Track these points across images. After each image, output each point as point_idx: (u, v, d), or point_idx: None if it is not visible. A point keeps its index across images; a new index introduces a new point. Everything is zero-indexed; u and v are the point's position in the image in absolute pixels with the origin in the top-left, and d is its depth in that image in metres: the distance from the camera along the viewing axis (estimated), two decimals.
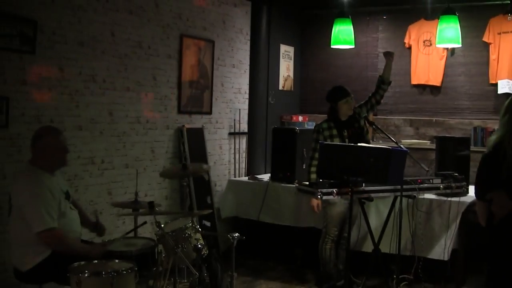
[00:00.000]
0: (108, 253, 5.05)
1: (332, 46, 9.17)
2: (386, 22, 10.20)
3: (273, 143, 8.33)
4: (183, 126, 7.90)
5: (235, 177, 8.96)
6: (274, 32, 9.68)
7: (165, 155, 7.75)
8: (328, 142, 6.67)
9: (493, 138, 3.82)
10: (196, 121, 8.23)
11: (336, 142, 6.74)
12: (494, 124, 8.76)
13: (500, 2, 9.19)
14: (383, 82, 7.31)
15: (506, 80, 9.00)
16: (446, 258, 6.92)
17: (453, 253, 6.90)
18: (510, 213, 3.68)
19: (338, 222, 6.86)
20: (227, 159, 8.94)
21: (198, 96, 8.21)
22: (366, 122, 7.08)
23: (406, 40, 9.90)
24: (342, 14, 8.92)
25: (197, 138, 8.13)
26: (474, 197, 4.02)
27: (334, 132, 6.81)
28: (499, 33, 9.21)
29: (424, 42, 9.71)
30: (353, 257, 6.48)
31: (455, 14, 8.34)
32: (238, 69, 9.17)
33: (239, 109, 9.13)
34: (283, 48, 10.19)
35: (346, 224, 6.50)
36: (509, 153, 3.61)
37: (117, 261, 4.85)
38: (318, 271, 7.18)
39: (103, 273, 4.46)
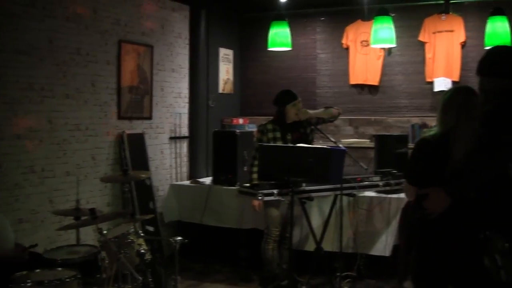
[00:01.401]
0: (51, 262, 5.02)
1: (269, 49, 9.22)
2: (323, 23, 10.28)
3: (214, 146, 8.36)
4: (124, 132, 7.87)
5: (177, 181, 8.95)
6: (213, 35, 9.70)
7: (106, 162, 7.70)
8: (271, 144, 6.70)
9: (431, 132, 3.95)
10: (137, 127, 8.20)
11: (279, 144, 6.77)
12: (431, 121, 8.90)
13: (435, 2, 9.37)
14: (324, 121, 7.24)
15: (442, 78, 9.17)
16: (388, 254, 7.04)
17: (394, 249, 7.00)
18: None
19: (279, 222, 6.90)
20: (169, 164, 8.92)
21: (138, 101, 8.18)
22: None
23: (343, 41, 10.00)
24: (278, 17, 8.98)
25: (138, 143, 8.10)
26: None
27: (278, 134, 6.84)
28: (434, 33, 9.38)
29: (361, 42, 9.82)
30: (296, 256, 6.55)
31: (389, 15, 8.50)
32: (178, 74, 9.15)
33: (180, 114, 9.12)
34: (222, 51, 10.20)
35: (288, 224, 6.54)
36: (455, 153, 3.73)
37: (60, 269, 4.83)
38: (262, 272, 7.21)
39: (46, 282, 4.44)
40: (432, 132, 3.99)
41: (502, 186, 3.90)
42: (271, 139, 6.79)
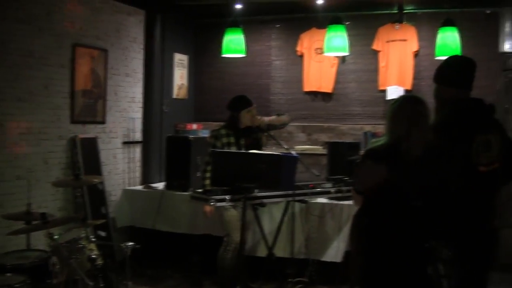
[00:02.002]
0: (0, 267, 4.97)
1: (223, 55, 9.24)
2: (278, 30, 10.33)
3: (167, 151, 8.35)
4: (77, 136, 7.81)
5: (129, 186, 8.91)
6: (168, 41, 9.68)
7: (59, 166, 7.63)
8: (225, 149, 6.70)
9: (380, 142, 4.00)
10: (90, 131, 8.14)
11: (233, 150, 6.78)
12: (384, 129, 8.97)
13: (389, 11, 9.49)
14: (275, 127, 7.30)
15: (395, 86, 9.27)
16: (339, 260, 7.07)
17: (346, 255, 7.03)
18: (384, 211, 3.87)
19: (239, 227, 6.89)
20: (122, 169, 8.87)
21: (91, 105, 8.14)
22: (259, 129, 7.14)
23: (298, 48, 10.06)
24: (233, 24, 9.00)
25: (91, 148, 8.05)
26: None
27: (232, 140, 6.83)
28: (388, 42, 9.50)
29: (315, 50, 9.89)
30: (248, 262, 6.55)
31: (343, 24, 8.59)
32: (132, 78, 9.11)
33: (134, 118, 9.08)
34: (177, 56, 10.19)
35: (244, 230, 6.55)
36: (404, 164, 3.78)
37: (9, 274, 4.79)
38: (216, 278, 7.18)
39: None
40: (380, 142, 4.03)
41: (446, 196, 3.97)
42: (225, 144, 6.78)
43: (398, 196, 3.83)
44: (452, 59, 4.65)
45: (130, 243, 5.54)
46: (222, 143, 6.77)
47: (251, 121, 6.90)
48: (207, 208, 6.69)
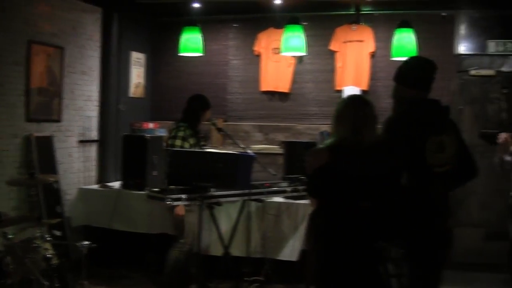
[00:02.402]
0: None
1: (180, 54, 9.21)
2: (236, 30, 10.34)
3: (123, 150, 8.28)
4: (32, 134, 7.73)
5: (85, 185, 8.84)
6: (125, 39, 9.64)
7: (13, 165, 7.54)
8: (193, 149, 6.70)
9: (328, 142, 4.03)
10: (45, 129, 8.06)
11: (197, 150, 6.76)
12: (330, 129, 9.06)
13: (346, 12, 9.57)
14: None
15: (351, 86, 9.33)
16: (295, 259, 7.10)
17: (302, 254, 7.03)
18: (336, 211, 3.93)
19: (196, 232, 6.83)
20: (77, 168, 8.79)
21: (47, 103, 8.05)
22: (214, 128, 7.16)
23: (255, 48, 10.08)
24: (190, 23, 8.98)
25: (46, 146, 7.97)
26: None
27: (194, 141, 6.84)
28: (345, 42, 9.57)
29: (273, 50, 9.90)
30: (204, 261, 6.54)
31: (300, 24, 8.62)
32: (89, 76, 9.04)
33: (90, 117, 9.02)
34: (134, 55, 10.14)
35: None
36: (350, 165, 3.81)
37: None
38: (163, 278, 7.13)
39: None
40: (328, 143, 4.05)
41: (395, 195, 4.03)
42: (193, 145, 6.75)
43: (347, 197, 3.85)
44: (414, 60, 4.70)
45: (86, 242, 5.50)
46: (190, 144, 6.74)
47: (209, 121, 6.94)
48: (179, 211, 6.61)
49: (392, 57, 8.64)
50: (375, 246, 3.85)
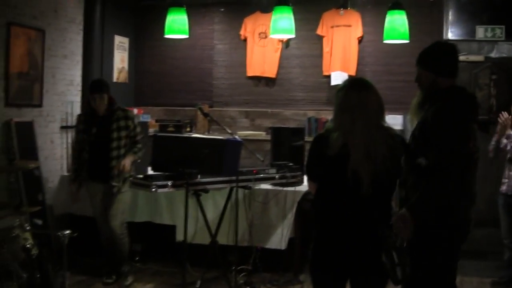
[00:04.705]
0: None
1: (165, 36, 9.01)
2: (222, 14, 10.23)
3: None
4: (11, 119, 7.52)
5: (68, 172, 8.65)
6: (108, 22, 9.49)
7: None
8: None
9: (329, 127, 3.88)
10: (26, 115, 7.85)
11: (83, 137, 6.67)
12: (327, 115, 8.98)
13: None
14: None
15: (339, 72, 9.26)
16: (283, 247, 6.98)
17: (290, 242, 6.96)
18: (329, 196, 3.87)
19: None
20: (60, 154, 8.58)
21: (27, 88, 7.84)
22: (201, 113, 7.01)
23: (241, 32, 9.97)
24: (176, 3, 8.79)
25: (26, 132, 7.75)
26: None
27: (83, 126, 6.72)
28: (332, 27, 9.49)
29: (259, 34, 9.81)
30: (191, 249, 6.42)
31: (289, 5, 8.39)
32: (71, 60, 8.82)
33: (72, 102, 8.76)
34: (118, 39, 10.01)
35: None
36: (354, 154, 3.66)
37: None
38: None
39: None
40: (329, 128, 3.89)
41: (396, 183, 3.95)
42: (80, 131, 6.78)
43: (348, 185, 3.70)
44: (446, 47, 4.47)
45: (67, 231, 5.31)
46: (78, 129, 6.83)
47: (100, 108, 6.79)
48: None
49: (384, 40, 8.50)
50: (378, 233, 3.71)
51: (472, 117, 4.09)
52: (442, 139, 3.82)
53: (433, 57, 4.19)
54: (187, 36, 9.14)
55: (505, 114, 6.81)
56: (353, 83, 4.00)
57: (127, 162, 6.52)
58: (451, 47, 4.28)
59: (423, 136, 3.94)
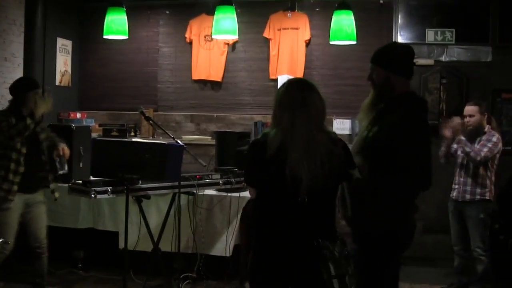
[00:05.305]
0: None
1: (104, 36, 8.88)
2: (167, 16, 10.12)
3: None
4: None
5: None
6: (50, 24, 9.35)
7: None
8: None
9: (268, 132, 3.75)
10: None
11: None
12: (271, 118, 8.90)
13: None
14: None
15: (286, 75, 9.14)
16: (228, 254, 6.90)
17: (235, 249, 6.88)
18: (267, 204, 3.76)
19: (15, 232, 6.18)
20: None
21: None
22: (143, 117, 6.86)
23: (187, 35, 9.88)
24: (115, 3, 8.61)
25: None
26: None
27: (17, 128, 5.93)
28: (279, 29, 9.46)
29: (205, 37, 9.73)
30: (132, 257, 6.28)
31: (232, 5, 8.23)
32: (11, 63, 8.66)
33: None
34: (60, 41, 9.84)
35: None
36: (292, 154, 3.54)
37: None
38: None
39: None
40: (268, 132, 3.76)
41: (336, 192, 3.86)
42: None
43: (286, 190, 3.59)
44: (401, 46, 4.49)
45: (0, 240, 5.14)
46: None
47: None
48: None
49: (330, 41, 8.46)
50: (315, 243, 3.59)
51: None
52: (413, 146, 3.79)
53: (389, 54, 4.13)
54: (126, 37, 9.02)
55: (457, 119, 6.78)
56: (296, 82, 3.90)
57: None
58: (407, 48, 4.24)
59: (377, 145, 3.87)
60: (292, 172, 3.54)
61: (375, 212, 3.82)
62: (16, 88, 6.16)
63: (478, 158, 6.55)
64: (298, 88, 3.73)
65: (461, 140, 6.65)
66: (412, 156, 3.76)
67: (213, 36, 8.75)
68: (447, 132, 6.75)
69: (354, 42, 8.35)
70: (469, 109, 6.76)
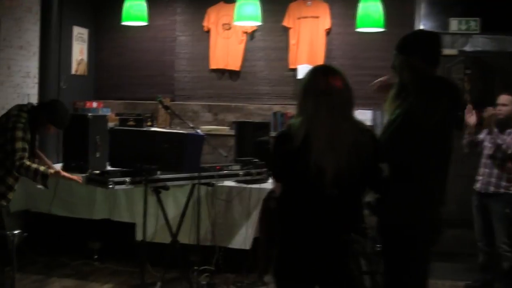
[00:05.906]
0: None
1: (123, 23, 8.77)
2: (184, 4, 10.07)
3: (64, 130, 7.82)
4: None
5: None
6: (66, 12, 9.29)
7: None
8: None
9: (292, 123, 3.59)
10: None
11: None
12: (293, 109, 8.78)
13: None
14: None
15: (306, 65, 9.06)
16: (247, 247, 6.80)
17: (254, 242, 6.78)
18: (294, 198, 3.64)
19: None
20: None
21: None
22: (161, 106, 6.76)
23: (205, 23, 9.81)
24: None
25: None
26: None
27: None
28: (299, 18, 9.40)
29: (223, 25, 9.66)
30: (150, 249, 6.20)
31: None
32: (27, 51, 8.61)
33: (28, 95, 8.59)
34: (76, 30, 9.81)
35: None
36: (316, 145, 3.39)
37: None
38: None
39: None
40: (293, 123, 3.61)
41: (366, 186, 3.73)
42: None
43: (312, 183, 3.44)
44: (427, 33, 4.37)
45: (17, 231, 5.04)
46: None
47: None
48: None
49: (356, 28, 8.30)
50: (344, 238, 3.45)
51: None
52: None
53: (413, 42, 4.01)
54: (146, 23, 8.92)
55: (490, 109, 6.64)
56: (321, 68, 3.75)
57: None
58: (433, 35, 4.11)
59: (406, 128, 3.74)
60: (317, 163, 3.40)
61: (390, 203, 3.74)
62: (57, 120, 5.81)
63: (510, 151, 6.44)
64: (322, 74, 3.58)
65: (494, 131, 6.52)
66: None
67: (235, 23, 8.60)
68: (472, 120, 6.62)
69: (382, 29, 8.17)
70: (504, 98, 6.64)
